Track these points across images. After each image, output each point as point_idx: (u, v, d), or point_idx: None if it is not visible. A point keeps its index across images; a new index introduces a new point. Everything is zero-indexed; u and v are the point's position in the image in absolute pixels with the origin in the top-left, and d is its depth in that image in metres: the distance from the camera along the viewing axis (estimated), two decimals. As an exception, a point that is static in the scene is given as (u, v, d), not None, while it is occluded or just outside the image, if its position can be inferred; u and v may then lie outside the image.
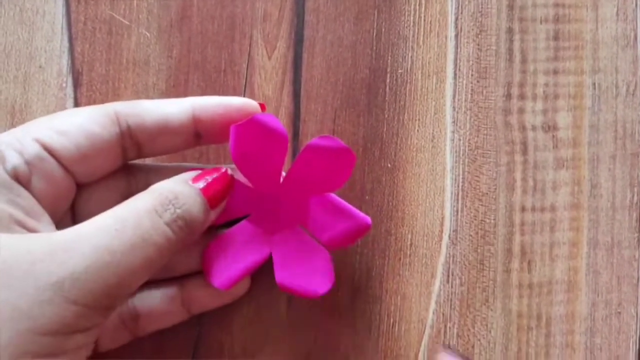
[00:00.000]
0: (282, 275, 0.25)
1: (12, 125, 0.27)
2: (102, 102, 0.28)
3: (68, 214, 0.23)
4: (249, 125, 0.24)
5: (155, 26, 0.28)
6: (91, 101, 0.28)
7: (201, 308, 0.26)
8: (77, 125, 0.22)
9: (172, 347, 0.27)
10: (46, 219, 0.21)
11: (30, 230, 0.20)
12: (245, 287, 0.26)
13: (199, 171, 0.24)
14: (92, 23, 0.28)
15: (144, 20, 0.28)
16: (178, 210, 0.21)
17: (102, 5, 0.28)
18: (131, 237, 0.20)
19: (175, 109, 0.23)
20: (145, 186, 0.23)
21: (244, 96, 0.28)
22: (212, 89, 0.28)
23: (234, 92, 0.28)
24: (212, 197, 0.23)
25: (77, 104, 0.28)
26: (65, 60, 0.28)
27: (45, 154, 0.21)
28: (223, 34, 0.28)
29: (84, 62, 0.28)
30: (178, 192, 0.22)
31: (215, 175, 0.24)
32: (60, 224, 0.22)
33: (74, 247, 0.19)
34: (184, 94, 0.28)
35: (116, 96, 0.28)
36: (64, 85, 0.28)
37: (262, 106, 0.25)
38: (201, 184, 0.23)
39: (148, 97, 0.28)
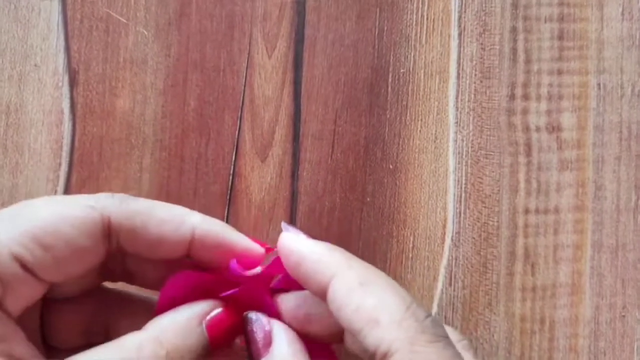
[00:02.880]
0: None
1: (7, 124, 0.27)
2: (99, 101, 0.27)
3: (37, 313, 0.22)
4: (175, 287, 0.22)
5: (153, 24, 0.28)
6: (87, 101, 0.27)
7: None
8: (63, 238, 0.20)
9: None
10: (20, 335, 0.19)
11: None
12: None
13: (214, 304, 0.21)
14: (89, 21, 0.27)
15: (142, 18, 0.28)
16: None
17: (98, 2, 0.27)
18: None
19: (173, 232, 0.21)
20: (122, 269, 0.21)
21: (244, 96, 0.27)
22: (211, 89, 0.27)
23: (233, 92, 0.27)
24: (220, 344, 0.21)
25: (73, 103, 0.27)
26: (61, 59, 0.27)
27: (21, 272, 0.19)
28: (222, 33, 0.28)
29: (80, 61, 0.27)
30: (183, 349, 0.20)
31: (229, 313, 0.21)
32: (27, 327, 0.21)
33: None
34: (182, 93, 0.27)
35: (113, 95, 0.27)
36: (59, 84, 0.27)
37: (268, 250, 0.22)
38: (210, 321, 0.20)
39: (146, 96, 0.27)
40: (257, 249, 0.22)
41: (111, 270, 0.23)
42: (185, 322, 0.20)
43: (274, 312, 0.22)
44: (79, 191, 0.27)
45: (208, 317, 0.21)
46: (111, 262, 0.22)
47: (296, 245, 0.20)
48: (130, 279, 0.23)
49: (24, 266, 0.19)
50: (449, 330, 0.22)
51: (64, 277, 0.20)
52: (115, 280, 0.23)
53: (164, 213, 0.21)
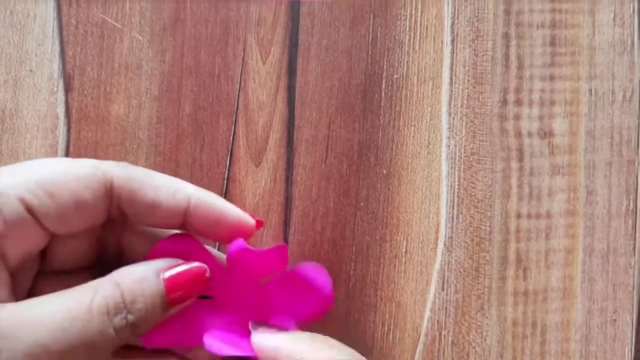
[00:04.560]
0: None
1: (2, 129, 0.27)
2: (94, 107, 0.27)
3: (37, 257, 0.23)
4: (162, 251, 0.23)
5: (148, 30, 0.28)
6: (82, 106, 0.27)
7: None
8: (67, 188, 0.21)
9: None
10: (5, 280, 0.20)
11: None
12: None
13: (176, 262, 0.22)
14: (84, 26, 0.28)
15: (137, 23, 0.28)
16: (130, 317, 0.20)
17: (93, 8, 0.28)
18: (75, 339, 0.19)
19: (170, 198, 0.22)
20: (117, 241, 0.22)
21: (238, 102, 0.28)
22: (206, 94, 0.28)
23: (228, 97, 0.28)
24: (176, 297, 0.21)
25: (68, 108, 0.27)
26: (56, 64, 0.27)
27: (26, 215, 0.20)
28: (217, 38, 0.28)
29: (76, 66, 0.27)
30: (137, 292, 0.20)
31: (191, 268, 0.22)
32: (25, 267, 0.22)
33: (14, 336, 0.18)
34: (177, 99, 0.27)
35: (108, 101, 0.27)
36: (55, 89, 0.27)
37: (259, 224, 0.24)
38: (169, 274, 0.21)
39: (140, 102, 0.27)
40: (248, 220, 0.23)
41: (106, 241, 0.24)
42: (143, 269, 0.21)
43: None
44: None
45: (168, 273, 0.21)
46: (108, 230, 0.24)
47: (267, 343, 0.22)
48: (121, 255, 0.24)
49: (29, 209, 0.20)
50: None
51: (67, 230, 0.21)
52: (107, 256, 0.24)
53: (161, 180, 0.22)
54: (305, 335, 0.22)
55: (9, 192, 0.20)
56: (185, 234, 0.24)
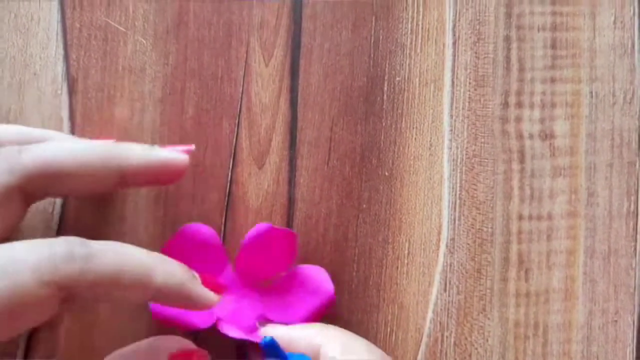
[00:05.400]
0: None
1: (7, 132, 0.27)
2: (97, 110, 0.28)
3: None
4: (178, 240, 0.24)
5: (151, 33, 0.28)
6: (86, 109, 0.27)
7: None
8: (20, 322, 0.19)
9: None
10: None
11: None
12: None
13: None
14: (88, 30, 0.28)
15: (140, 27, 0.28)
16: None
17: (97, 11, 0.28)
18: None
19: (135, 298, 0.20)
20: None
21: (241, 104, 0.28)
22: (209, 97, 0.28)
23: (231, 100, 0.28)
24: None
25: (72, 111, 0.27)
26: (60, 68, 0.28)
27: None
28: (220, 41, 0.28)
29: (79, 69, 0.28)
30: None
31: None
32: None
33: None
34: (181, 101, 0.28)
35: (111, 104, 0.28)
36: (59, 92, 0.27)
37: (188, 152, 0.24)
38: None
39: (144, 105, 0.28)
40: (177, 160, 0.23)
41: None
42: (147, 350, 0.21)
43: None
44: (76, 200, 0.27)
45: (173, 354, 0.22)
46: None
47: (278, 331, 0.23)
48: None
49: None
50: None
51: (13, 335, 0.19)
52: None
53: (130, 276, 0.19)
54: (315, 324, 0.23)
55: None
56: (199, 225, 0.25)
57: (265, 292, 0.25)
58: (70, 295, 0.19)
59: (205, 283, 0.22)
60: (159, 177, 0.23)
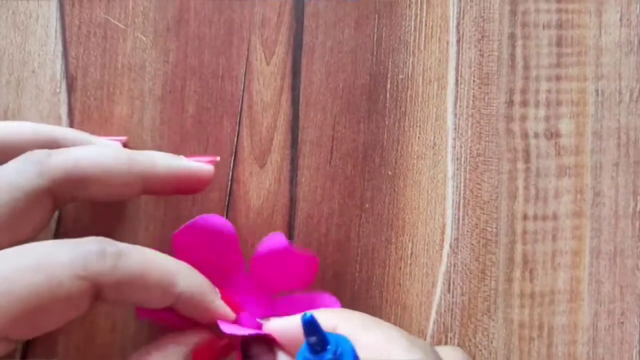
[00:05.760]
0: None
1: (5, 131, 0.27)
2: (97, 108, 0.27)
3: None
4: (192, 230, 0.23)
5: (151, 30, 0.27)
6: (85, 107, 0.27)
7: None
8: (54, 315, 0.19)
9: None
10: None
11: None
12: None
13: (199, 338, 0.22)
14: (87, 27, 0.27)
15: (140, 24, 0.27)
16: None
17: (97, 8, 0.27)
18: None
19: (159, 298, 0.21)
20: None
21: (242, 102, 0.27)
22: (210, 95, 0.27)
23: (232, 98, 0.27)
24: None
25: (71, 109, 0.27)
26: (59, 65, 0.27)
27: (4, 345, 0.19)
28: (221, 39, 0.28)
29: (78, 67, 0.27)
30: None
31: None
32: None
33: None
34: (181, 99, 0.27)
35: (111, 102, 0.27)
36: (57, 90, 0.27)
37: (213, 162, 0.24)
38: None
39: (144, 103, 0.27)
40: (204, 171, 0.23)
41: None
42: None
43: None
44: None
45: (193, 352, 0.22)
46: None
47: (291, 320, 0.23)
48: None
49: (6, 339, 0.19)
50: (452, 349, 0.23)
51: (39, 334, 0.20)
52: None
53: (156, 276, 0.20)
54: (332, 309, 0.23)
55: None
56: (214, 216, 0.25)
57: (276, 301, 0.25)
58: (100, 293, 0.19)
59: (224, 299, 0.22)
60: (183, 187, 0.23)
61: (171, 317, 0.22)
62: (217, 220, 0.24)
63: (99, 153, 0.22)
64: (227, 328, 0.22)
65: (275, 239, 0.24)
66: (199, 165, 0.24)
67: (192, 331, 0.22)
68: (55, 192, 0.21)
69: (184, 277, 0.21)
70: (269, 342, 0.23)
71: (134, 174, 0.22)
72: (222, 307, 0.22)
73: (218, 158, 0.25)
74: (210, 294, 0.22)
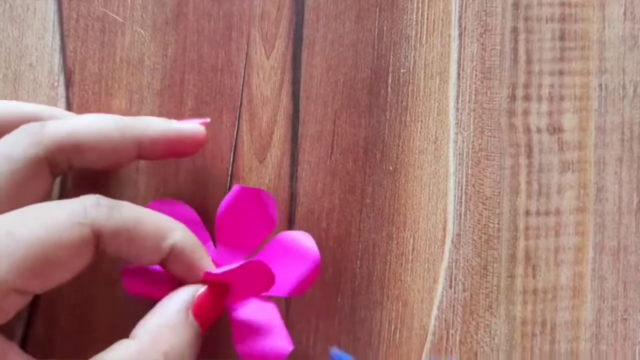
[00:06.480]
0: (242, 349, 0.23)
1: (2, 125, 0.27)
2: (95, 102, 0.27)
3: None
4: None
5: (150, 24, 0.27)
6: (84, 101, 0.27)
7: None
8: (59, 264, 0.20)
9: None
10: (15, 350, 0.20)
11: None
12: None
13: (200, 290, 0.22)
14: (85, 20, 0.27)
15: (138, 17, 0.27)
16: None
17: (95, 2, 0.27)
18: None
19: (154, 249, 0.21)
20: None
21: (242, 97, 0.27)
22: (209, 89, 0.27)
23: (231, 92, 0.27)
24: (208, 327, 0.22)
25: (69, 103, 0.27)
26: (56, 59, 0.27)
27: (17, 298, 0.20)
28: (220, 33, 0.27)
29: (76, 61, 0.27)
30: (179, 346, 0.20)
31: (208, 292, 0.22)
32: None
33: None
34: (180, 94, 0.27)
35: (109, 96, 0.27)
36: (55, 84, 0.27)
37: (205, 124, 0.25)
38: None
39: (142, 97, 0.27)
40: (197, 131, 0.24)
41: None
42: (175, 318, 0.21)
43: None
44: (76, 193, 0.26)
45: (193, 305, 0.21)
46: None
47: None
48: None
49: (18, 291, 0.19)
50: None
51: (50, 287, 0.20)
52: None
53: (150, 227, 0.21)
54: None
55: (2, 287, 0.19)
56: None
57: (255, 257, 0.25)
58: (99, 243, 0.20)
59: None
60: (177, 149, 0.24)
61: (160, 292, 0.22)
62: (172, 204, 0.25)
63: (91, 120, 0.23)
64: (217, 270, 0.22)
65: (231, 192, 0.24)
66: (192, 126, 0.24)
67: (188, 285, 0.22)
68: (51, 160, 0.22)
69: (176, 230, 0.22)
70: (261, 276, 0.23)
71: (127, 138, 0.23)
72: (210, 263, 0.23)
73: (209, 119, 0.25)
74: (200, 249, 0.22)
